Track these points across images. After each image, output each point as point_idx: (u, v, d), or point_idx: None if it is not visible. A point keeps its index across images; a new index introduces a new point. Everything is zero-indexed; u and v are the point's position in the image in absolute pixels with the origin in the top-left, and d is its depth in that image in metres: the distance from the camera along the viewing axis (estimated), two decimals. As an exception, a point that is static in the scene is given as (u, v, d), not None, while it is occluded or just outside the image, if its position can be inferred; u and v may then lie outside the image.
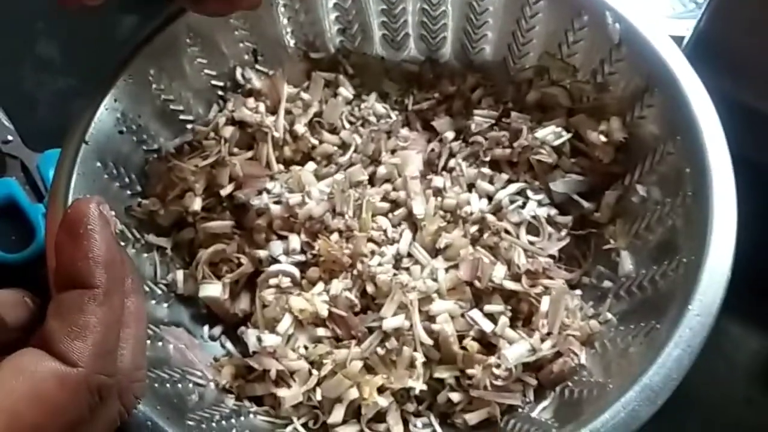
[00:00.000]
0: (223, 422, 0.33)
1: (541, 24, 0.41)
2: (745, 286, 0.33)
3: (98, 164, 0.37)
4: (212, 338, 0.39)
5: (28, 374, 0.23)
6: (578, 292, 0.37)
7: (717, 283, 0.29)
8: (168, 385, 0.33)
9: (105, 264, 0.25)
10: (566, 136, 0.40)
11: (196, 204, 0.39)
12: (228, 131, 0.41)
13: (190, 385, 0.34)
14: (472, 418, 0.34)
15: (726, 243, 0.30)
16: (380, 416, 0.35)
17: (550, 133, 0.40)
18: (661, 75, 0.36)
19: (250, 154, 0.42)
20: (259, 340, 0.35)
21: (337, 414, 0.35)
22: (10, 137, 0.51)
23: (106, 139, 0.37)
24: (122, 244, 0.37)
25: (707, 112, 0.33)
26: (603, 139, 0.39)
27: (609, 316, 0.35)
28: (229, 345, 0.39)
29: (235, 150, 0.42)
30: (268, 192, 0.40)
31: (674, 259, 0.33)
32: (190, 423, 0.31)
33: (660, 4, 0.53)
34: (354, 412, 0.35)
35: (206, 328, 0.39)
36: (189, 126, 0.42)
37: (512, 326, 0.36)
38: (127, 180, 0.39)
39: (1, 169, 0.50)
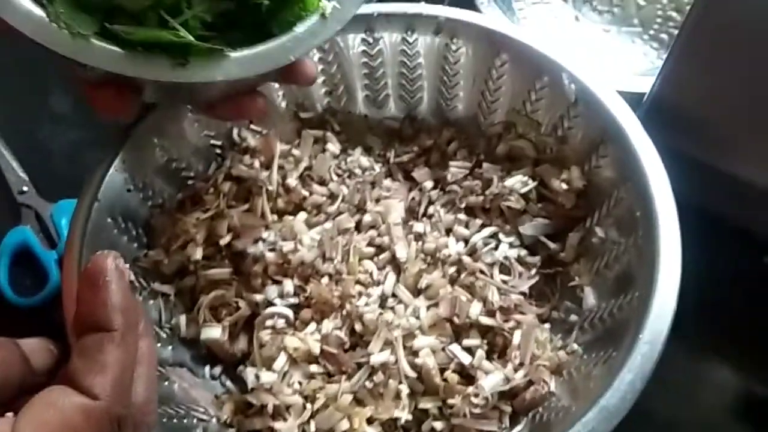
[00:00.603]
0: (226, 454, 0.36)
1: (507, 84, 0.46)
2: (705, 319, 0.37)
3: (109, 220, 0.40)
4: (213, 377, 0.42)
5: (57, 408, 0.26)
6: (547, 325, 0.41)
7: (664, 314, 0.33)
8: (175, 420, 0.36)
9: (121, 310, 0.28)
10: (532, 184, 0.44)
11: (198, 253, 0.43)
12: (226, 186, 0.45)
13: (195, 420, 0.37)
14: (454, 444, 0.37)
15: (672, 278, 0.34)
16: (370, 445, 0.38)
17: (518, 182, 0.44)
18: (612, 129, 0.40)
19: (246, 206, 0.45)
20: (257, 377, 0.38)
21: (330, 444, 0.38)
22: (25, 188, 0.54)
23: (116, 197, 0.41)
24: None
25: (653, 162, 0.38)
26: (565, 186, 0.43)
27: (575, 347, 0.39)
28: (228, 383, 0.42)
29: (233, 203, 0.45)
30: (264, 240, 0.44)
31: (629, 293, 0.37)
32: (197, 454, 0.34)
33: (637, 61, 0.58)
34: (346, 442, 0.38)
35: (207, 367, 0.42)
36: (190, 182, 0.46)
37: (488, 358, 0.39)
38: (134, 233, 0.42)
39: (17, 217, 0.54)
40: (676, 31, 0.59)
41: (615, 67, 0.58)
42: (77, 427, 0.26)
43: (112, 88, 0.31)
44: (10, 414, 0.26)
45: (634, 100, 0.44)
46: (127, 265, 0.30)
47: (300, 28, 0.33)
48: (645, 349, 0.32)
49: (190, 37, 0.28)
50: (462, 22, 0.46)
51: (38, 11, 0.27)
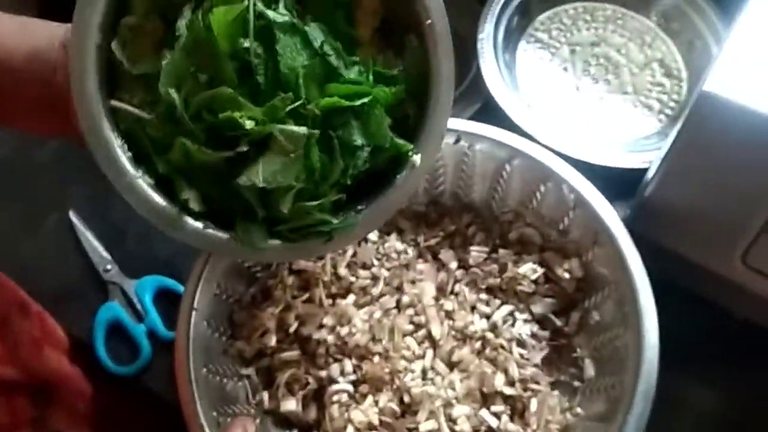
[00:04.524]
0: None
1: (516, 184, 0.56)
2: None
3: (204, 323, 0.50)
4: (292, 440, 0.53)
5: None
6: (556, 392, 0.52)
7: (647, 396, 0.44)
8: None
9: None
10: (540, 271, 0.54)
11: (272, 341, 0.53)
12: (290, 280, 0.55)
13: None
14: (488, 491, 0.48)
15: (651, 369, 0.45)
16: (423, 493, 0.49)
17: (529, 269, 0.55)
18: (604, 236, 0.50)
19: (306, 295, 0.55)
20: (333, 446, 0.49)
21: (392, 494, 0.49)
22: (109, 266, 0.64)
23: (208, 303, 0.51)
24: (224, 380, 0.51)
25: (638, 269, 0.48)
26: (567, 275, 0.53)
27: (579, 410, 0.50)
28: (306, 446, 0.53)
29: (296, 293, 0.55)
30: (324, 326, 0.54)
31: (622, 371, 0.47)
32: None
33: (632, 127, 0.66)
34: (404, 492, 0.49)
35: (287, 432, 0.53)
36: (258, 275, 0.56)
37: (511, 419, 0.50)
38: (221, 329, 0.52)
39: (105, 293, 0.63)
40: (665, 97, 0.68)
41: (612, 133, 0.66)
42: None
43: None
44: None
45: (627, 174, 0.57)
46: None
47: (398, 181, 0.40)
48: (633, 424, 0.43)
49: (335, 221, 0.38)
50: (478, 135, 0.55)
51: (218, 233, 0.37)
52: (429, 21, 0.38)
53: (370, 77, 0.39)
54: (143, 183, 0.36)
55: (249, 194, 0.36)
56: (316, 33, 0.37)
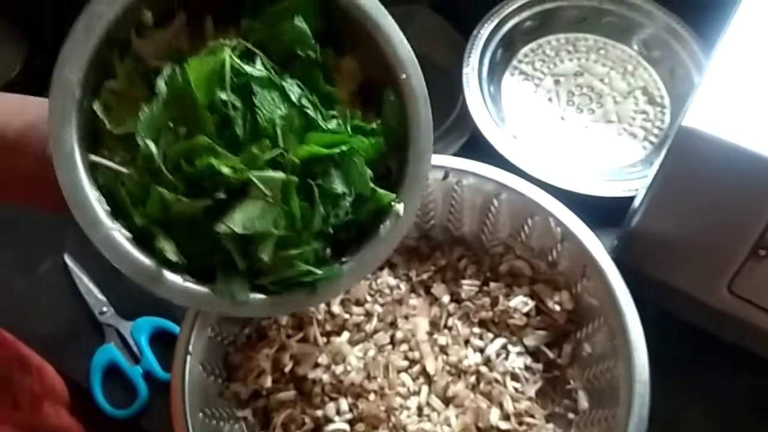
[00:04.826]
0: None
1: (504, 217, 0.56)
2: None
3: (200, 367, 0.51)
4: (289, 480, 0.53)
5: None
6: (551, 425, 0.52)
7: (640, 429, 0.44)
8: None
9: None
10: (531, 304, 0.55)
11: (268, 381, 0.53)
12: (284, 319, 0.56)
13: None
14: None
15: (643, 403, 0.45)
16: None
17: (520, 302, 0.55)
18: (592, 269, 0.51)
19: (301, 334, 0.56)
20: (330, 486, 0.49)
21: None
22: (104, 308, 0.64)
23: (202, 346, 0.51)
24: (221, 423, 0.51)
25: (626, 300, 0.49)
26: (557, 307, 0.54)
27: (574, 443, 0.50)
28: (304, 486, 0.53)
29: (290, 332, 0.56)
30: (319, 365, 0.55)
31: (615, 404, 0.48)
32: None
33: (617, 154, 0.67)
34: None
35: (285, 474, 0.53)
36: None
37: (507, 454, 0.51)
38: (217, 371, 0.53)
39: (101, 336, 0.63)
40: (649, 125, 0.69)
41: (598, 162, 0.67)
42: None
43: None
44: None
45: (614, 203, 0.58)
46: None
47: (381, 231, 0.41)
48: (626, 461, 0.44)
49: (320, 272, 0.38)
50: (465, 171, 0.56)
51: (198, 287, 0.37)
52: (404, 75, 0.39)
53: (348, 128, 0.40)
54: (120, 236, 0.36)
55: (228, 243, 0.36)
56: (293, 88, 0.38)
